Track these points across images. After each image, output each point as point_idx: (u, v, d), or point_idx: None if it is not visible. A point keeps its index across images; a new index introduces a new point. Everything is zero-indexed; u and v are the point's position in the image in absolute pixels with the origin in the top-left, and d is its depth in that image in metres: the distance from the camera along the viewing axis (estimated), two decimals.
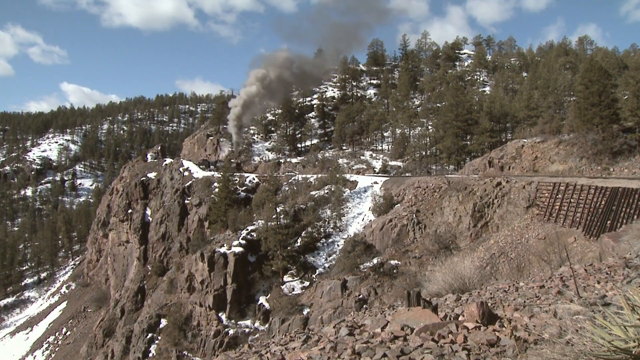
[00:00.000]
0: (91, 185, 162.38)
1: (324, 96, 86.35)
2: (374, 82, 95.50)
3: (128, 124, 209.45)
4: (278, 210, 41.39)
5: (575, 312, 4.40)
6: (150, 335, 39.42)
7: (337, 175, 48.72)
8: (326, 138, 78.23)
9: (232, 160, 67.38)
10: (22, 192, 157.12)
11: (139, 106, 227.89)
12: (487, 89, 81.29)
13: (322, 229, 42.65)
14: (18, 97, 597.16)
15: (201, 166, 63.10)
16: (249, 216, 45.25)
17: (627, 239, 10.62)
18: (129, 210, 64.66)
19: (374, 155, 69.02)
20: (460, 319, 4.98)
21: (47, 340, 60.35)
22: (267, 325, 33.36)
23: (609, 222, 21.55)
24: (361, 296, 30.42)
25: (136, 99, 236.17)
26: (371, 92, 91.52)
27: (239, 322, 35.79)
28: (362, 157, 68.00)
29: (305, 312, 32.37)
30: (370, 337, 4.73)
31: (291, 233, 39.80)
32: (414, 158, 61.42)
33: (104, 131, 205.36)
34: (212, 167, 63.62)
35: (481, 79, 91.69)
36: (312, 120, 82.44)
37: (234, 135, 76.28)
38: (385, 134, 74.27)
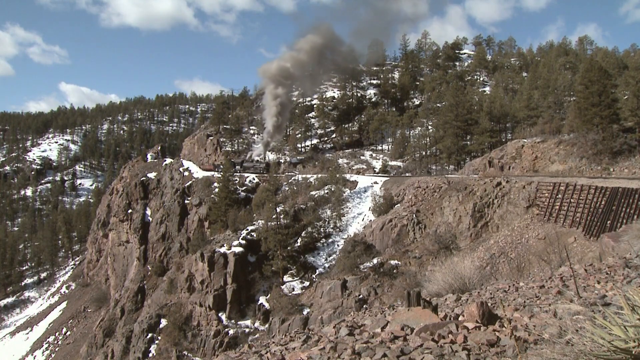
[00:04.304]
0: (91, 185, 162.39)
1: (324, 96, 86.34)
2: (374, 82, 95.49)
3: (128, 124, 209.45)
4: (278, 210, 41.40)
5: (575, 312, 4.40)
6: (150, 335, 39.43)
7: (337, 175, 48.74)
8: (326, 138, 78.21)
9: (260, 160, 66.40)
10: (22, 192, 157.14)
11: (139, 106, 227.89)
12: (487, 89, 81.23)
13: (322, 229, 42.65)
14: (18, 97, 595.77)
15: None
16: (249, 216, 45.26)
17: (627, 239, 10.61)
18: (129, 210, 64.69)
19: (374, 155, 69.01)
20: (460, 319, 4.97)
21: (47, 340, 60.36)
22: (267, 325, 33.36)
23: (609, 222, 21.56)
24: (361, 296, 30.43)
25: (136, 99, 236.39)
26: (371, 92, 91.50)
27: (239, 322, 35.80)
28: (362, 157, 67.99)
29: (305, 312, 32.37)
30: (370, 337, 4.73)
31: (291, 233, 39.81)
32: (414, 158, 61.42)
33: (104, 131, 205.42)
34: (237, 167, 61.34)
35: (481, 79, 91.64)
36: (312, 120, 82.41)
37: (269, 127, 71.74)
38: (385, 134, 74.27)
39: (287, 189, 52.26)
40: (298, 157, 71.44)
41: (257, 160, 65.90)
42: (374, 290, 30.70)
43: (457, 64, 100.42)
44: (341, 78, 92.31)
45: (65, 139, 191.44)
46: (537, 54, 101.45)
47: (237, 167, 61.44)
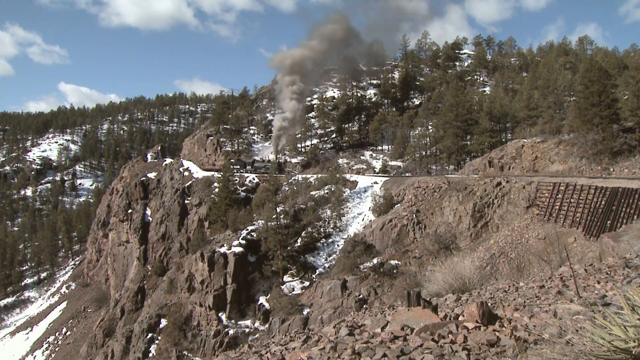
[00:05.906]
0: (91, 185, 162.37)
1: (324, 96, 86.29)
2: (374, 82, 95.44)
3: (128, 124, 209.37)
4: (278, 210, 41.40)
5: (575, 312, 4.40)
6: (150, 335, 39.42)
7: (337, 175, 48.78)
8: (326, 138, 78.20)
9: (270, 160, 66.14)
10: (22, 192, 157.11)
11: (139, 106, 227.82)
12: (487, 89, 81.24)
13: (322, 229, 42.66)
14: (18, 97, 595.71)
15: (235, 167, 59.50)
16: (249, 216, 45.27)
17: (627, 239, 10.61)
18: (129, 210, 64.69)
19: (374, 155, 69.02)
20: (460, 319, 4.97)
21: (47, 340, 60.35)
22: (267, 325, 33.36)
23: (609, 222, 21.55)
24: (361, 296, 30.43)
25: (136, 99, 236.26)
26: (371, 92, 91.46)
27: (239, 322, 35.79)
28: (362, 157, 67.99)
29: (305, 312, 32.37)
30: (370, 337, 4.73)
31: (291, 233, 39.81)
32: (414, 158, 61.44)
33: (104, 131, 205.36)
34: (248, 167, 60.83)
35: (481, 79, 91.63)
36: (312, 120, 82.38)
37: (288, 111, 70.86)
38: (385, 134, 74.24)
39: (287, 189, 52.26)
40: (298, 157, 71.45)
41: (269, 161, 65.73)
42: (374, 290, 30.70)
43: (457, 64, 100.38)
44: (341, 78, 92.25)
45: (65, 139, 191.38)
46: (537, 54, 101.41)
47: (247, 167, 61.07)
